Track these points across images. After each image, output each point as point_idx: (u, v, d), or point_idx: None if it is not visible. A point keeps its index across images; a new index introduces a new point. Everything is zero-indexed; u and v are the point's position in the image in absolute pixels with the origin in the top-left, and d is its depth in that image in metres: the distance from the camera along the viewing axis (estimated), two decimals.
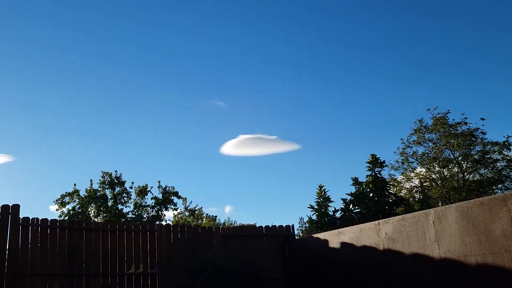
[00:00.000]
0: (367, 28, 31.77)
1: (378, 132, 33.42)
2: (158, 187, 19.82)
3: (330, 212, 10.06)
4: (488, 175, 20.05)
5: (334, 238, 7.06)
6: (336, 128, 35.43)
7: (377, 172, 10.18)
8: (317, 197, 10.22)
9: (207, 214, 23.42)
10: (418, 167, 21.30)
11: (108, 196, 18.97)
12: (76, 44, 28.74)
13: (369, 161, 10.25)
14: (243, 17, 30.14)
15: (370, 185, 9.93)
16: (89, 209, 18.48)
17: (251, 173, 36.19)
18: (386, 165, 10.58)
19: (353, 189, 10.11)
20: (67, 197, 18.54)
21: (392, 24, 31.61)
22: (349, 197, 10.02)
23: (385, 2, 29.61)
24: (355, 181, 10.15)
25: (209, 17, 30.02)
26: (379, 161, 10.25)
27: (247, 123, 35.07)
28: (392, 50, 32.29)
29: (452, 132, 19.73)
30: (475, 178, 20.19)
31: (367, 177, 10.16)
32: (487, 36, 29.54)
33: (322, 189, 10.22)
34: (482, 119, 19.68)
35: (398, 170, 21.62)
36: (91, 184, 18.88)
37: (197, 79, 32.33)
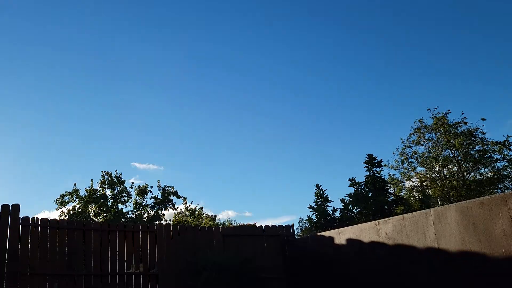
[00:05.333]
0: (368, 30, 31.76)
1: (378, 133, 33.41)
2: (158, 187, 19.86)
3: (329, 212, 10.06)
4: (488, 175, 20.06)
5: (333, 238, 7.05)
6: (336, 128, 35.40)
7: (375, 172, 10.18)
8: (315, 197, 10.23)
9: (207, 214, 23.46)
10: (418, 167, 21.33)
11: (108, 195, 18.99)
12: (76, 43, 28.71)
13: (366, 161, 10.24)
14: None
15: (369, 184, 9.93)
16: (89, 209, 18.50)
17: (254, 174, 36.17)
18: (384, 165, 10.56)
19: (351, 190, 10.12)
20: (67, 197, 18.56)
21: (393, 26, 31.60)
22: (348, 198, 10.02)
23: (387, 6, 29.62)
24: (353, 182, 10.15)
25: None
26: (376, 160, 10.25)
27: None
28: (393, 52, 32.26)
29: (452, 132, 19.74)
30: (475, 178, 20.20)
31: (366, 177, 10.15)
32: (487, 38, 29.54)
33: (320, 189, 10.21)
34: (483, 119, 19.72)
35: (397, 169, 21.66)
36: (92, 184, 18.89)
37: (198, 78, 32.26)
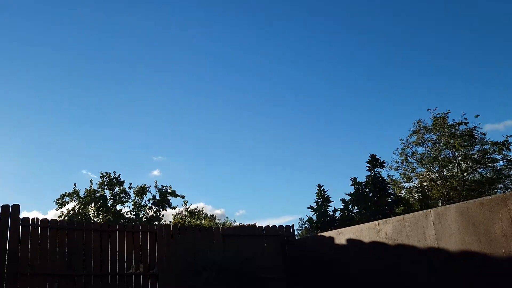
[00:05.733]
0: (368, 30, 31.80)
1: (378, 133, 33.44)
2: (155, 187, 19.85)
3: (329, 212, 10.06)
4: (488, 175, 20.06)
5: (334, 238, 7.06)
6: (336, 128, 35.42)
7: (376, 172, 10.18)
8: (316, 197, 10.22)
9: (206, 214, 23.49)
10: (418, 167, 21.33)
11: (107, 196, 19.00)
12: (74, 44, 28.72)
13: (368, 161, 10.24)
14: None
15: (369, 185, 9.93)
16: (89, 209, 18.52)
17: (254, 174, 36.17)
18: (385, 166, 10.57)
19: (352, 190, 10.11)
20: (67, 197, 18.58)
21: (393, 26, 31.65)
22: (348, 197, 10.02)
23: (387, 6, 29.67)
24: (354, 181, 10.14)
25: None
26: (379, 161, 10.25)
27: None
28: (393, 51, 32.30)
29: (452, 132, 19.75)
30: (475, 178, 20.20)
31: (367, 177, 10.15)
32: (487, 38, 29.59)
33: (322, 189, 10.21)
34: (476, 116, 19.86)
35: (397, 170, 21.66)
36: (91, 185, 18.90)
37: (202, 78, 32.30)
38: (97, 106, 31.45)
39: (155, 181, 20.41)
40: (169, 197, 19.84)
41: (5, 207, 7.11)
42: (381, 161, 10.29)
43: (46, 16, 26.52)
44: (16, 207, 7.19)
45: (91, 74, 30.04)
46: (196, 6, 29.20)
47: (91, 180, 19.10)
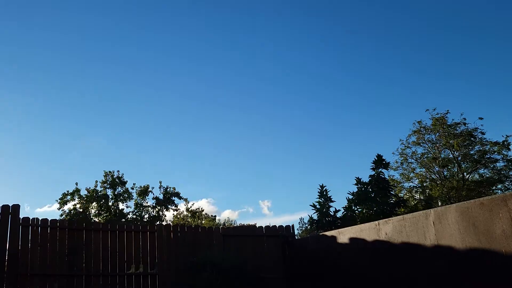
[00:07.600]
0: (367, 31, 31.84)
1: (377, 133, 33.45)
2: (160, 187, 19.86)
3: (331, 212, 10.07)
4: (487, 175, 20.05)
5: (334, 238, 7.06)
6: (336, 128, 35.46)
7: (380, 173, 10.20)
8: (318, 197, 10.23)
9: (206, 214, 23.51)
10: (418, 168, 21.31)
11: (109, 196, 18.99)
12: (74, 45, 28.75)
13: (374, 161, 10.27)
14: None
15: (372, 185, 9.95)
16: (90, 209, 18.52)
17: (254, 173, 36.20)
18: (389, 167, 10.62)
19: (355, 189, 10.14)
20: (69, 196, 18.59)
21: (393, 28, 31.70)
22: (351, 196, 10.04)
23: (387, 7, 29.68)
24: (358, 181, 10.16)
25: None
26: (384, 162, 10.27)
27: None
28: (392, 53, 32.33)
29: (452, 132, 19.74)
30: (475, 178, 20.19)
31: (370, 177, 10.17)
32: (486, 39, 29.64)
33: (324, 189, 10.22)
34: (480, 118, 19.73)
35: (397, 170, 21.64)
36: (96, 185, 18.90)
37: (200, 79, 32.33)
38: (97, 106, 31.48)
39: (160, 182, 20.32)
40: (174, 198, 19.86)
41: (5, 207, 7.11)
42: (386, 162, 10.34)
43: (47, 19, 26.56)
44: (16, 207, 7.19)
45: (91, 75, 30.08)
46: (196, 6, 29.22)
47: (96, 181, 19.09)
